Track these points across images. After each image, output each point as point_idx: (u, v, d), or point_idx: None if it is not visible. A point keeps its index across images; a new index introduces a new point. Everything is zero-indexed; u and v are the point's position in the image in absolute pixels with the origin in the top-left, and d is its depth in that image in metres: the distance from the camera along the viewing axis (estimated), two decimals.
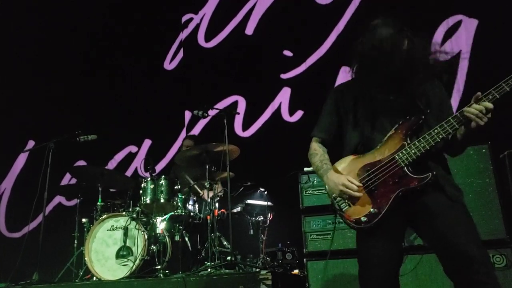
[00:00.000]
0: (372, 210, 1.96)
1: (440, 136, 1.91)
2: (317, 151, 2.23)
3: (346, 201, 2.04)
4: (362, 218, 1.98)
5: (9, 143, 7.21)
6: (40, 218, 5.23)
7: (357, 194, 1.99)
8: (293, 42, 6.03)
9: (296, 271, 4.39)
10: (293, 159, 4.89)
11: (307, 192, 3.61)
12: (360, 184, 2.00)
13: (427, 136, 1.93)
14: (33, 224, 5.87)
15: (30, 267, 4.20)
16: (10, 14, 7.66)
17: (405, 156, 1.96)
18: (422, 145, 1.93)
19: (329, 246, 3.34)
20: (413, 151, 1.95)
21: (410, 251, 3.19)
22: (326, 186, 2.12)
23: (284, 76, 6.05)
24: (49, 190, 4.46)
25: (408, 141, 1.98)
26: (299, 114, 5.85)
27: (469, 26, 5.06)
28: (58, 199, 6.84)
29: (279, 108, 5.99)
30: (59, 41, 7.33)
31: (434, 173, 1.91)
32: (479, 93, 1.90)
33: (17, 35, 7.55)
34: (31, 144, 7.07)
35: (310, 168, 3.68)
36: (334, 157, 2.21)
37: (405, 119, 2.00)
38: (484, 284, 1.78)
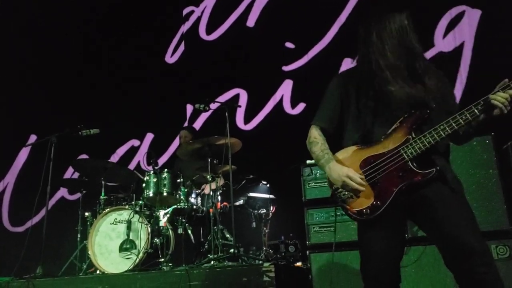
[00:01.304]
0: (374, 202, 1.95)
1: (446, 132, 1.91)
2: (318, 139, 2.17)
3: (348, 193, 2.02)
4: (364, 210, 1.97)
5: (11, 138, 7.22)
6: (43, 212, 5.23)
7: (360, 187, 1.97)
8: (295, 34, 6.00)
9: (299, 264, 4.40)
10: (295, 152, 4.89)
11: (309, 185, 3.60)
12: (363, 178, 1.98)
13: (432, 131, 1.92)
14: (36, 218, 5.87)
15: (34, 261, 4.21)
16: (10, 8, 7.63)
17: (410, 151, 1.94)
18: (427, 140, 1.92)
19: (333, 238, 3.33)
20: (418, 145, 1.93)
21: (413, 242, 3.18)
22: (328, 177, 2.09)
23: (286, 68, 6.02)
24: (51, 184, 4.47)
25: (413, 135, 1.96)
26: (301, 106, 5.83)
27: (472, 16, 5.02)
28: (61, 193, 6.85)
29: (281, 101, 5.97)
30: (60, 35, 7.30)
31: (438, 168, 1.90)
32: (506, 80, 1.87)
33: (17, 29, 7.53)
34: (33, 138, 7.08)
35: (313, 161, 3.67)
36: (333, 147, 2.16)
37: (410, 112, 1.98)
38: (483, 274, 1.79)
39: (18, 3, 7.64)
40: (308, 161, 3.69)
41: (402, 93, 1.99)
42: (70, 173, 6.67)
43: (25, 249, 4.24)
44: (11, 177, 7.34)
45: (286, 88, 5.98)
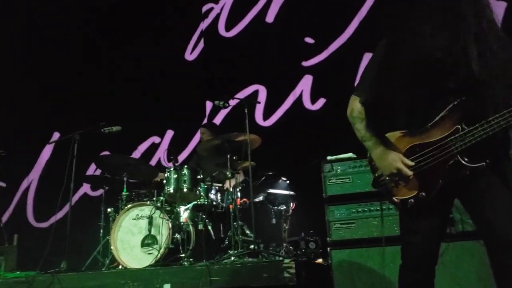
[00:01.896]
0: (419, 193, 1.90)
1: (499, 127, 1.77)
2: (362, 115, 2.04)
3: (392, 181, 1.96)
4: (409, 200, 1.92)
5: (35, 135, 7.35)
6: (66, 208, 5.33)
7: (410, 177, 1.90)
8: (315, 29, 5.95)
9: (319, 260, 4.38)
10: (315, 148, 4.88)
11: (330, 181, 3.55)
12: (413, 164, 1.90)
13: (485, 124, 1.78)
14: (60, 214, 5.98)
15: (58, 256, 4.29)
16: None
17: (459, 143, 1.82)
18: (478, 134, 1.79)
19: (381, 232, 3.27)
20: (468, 138, 1.81)
21: None
22: (375, 161, 2.02)
23: (305, 63, 5.98)
24: (75, 180, 4.54)
25: (463, 126, 1.83)
26: (321, 102, 5.79)
27: (497, 9, 4.88)
28: (84, 189, 6.96)
29: (300, 97, 5.94)
30: (82, 33, 7.41)
31: (488, 161, 1.80)
32: None
33: (39, 25, 7.63)
34: (56, 135, 7.20)
35: (333, 157, 3.64)
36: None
37: (460, 100, 1.83)
38: None
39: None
40: (328, 157, 3.65)
41: (454, 70, 1.83)
42: (92, 169, 6.76)
43: (50, 245, 4.31)
44: (35, 173, 7.49)
45: (305, 84, 5.94)
